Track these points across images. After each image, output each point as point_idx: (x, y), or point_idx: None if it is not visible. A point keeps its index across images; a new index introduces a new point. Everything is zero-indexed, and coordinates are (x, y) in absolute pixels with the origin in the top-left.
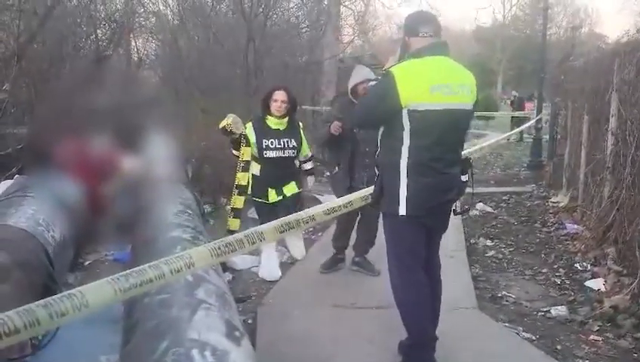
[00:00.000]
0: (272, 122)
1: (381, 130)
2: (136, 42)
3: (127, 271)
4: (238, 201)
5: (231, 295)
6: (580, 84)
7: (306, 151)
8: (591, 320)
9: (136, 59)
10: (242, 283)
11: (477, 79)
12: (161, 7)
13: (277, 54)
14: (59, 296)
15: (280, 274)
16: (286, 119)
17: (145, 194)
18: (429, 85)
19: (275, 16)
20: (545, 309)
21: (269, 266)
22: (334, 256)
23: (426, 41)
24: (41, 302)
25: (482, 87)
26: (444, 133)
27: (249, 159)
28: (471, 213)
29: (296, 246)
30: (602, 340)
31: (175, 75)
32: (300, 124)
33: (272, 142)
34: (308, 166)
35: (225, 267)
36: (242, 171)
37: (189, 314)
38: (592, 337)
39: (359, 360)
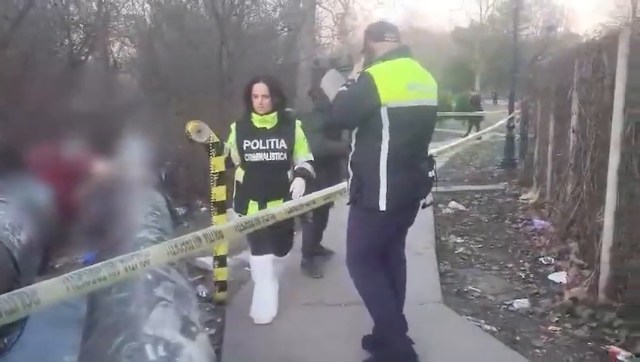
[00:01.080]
0: (257, 120)
1: (356, 129)
2: (111, 46)
3: (81, 270)
4: (220, 221)
5: (193, 293)
6: (546, 83)
7: (304, 154)
8: (551, 312)
9: (112, 63)
10: (212, 284)
11: (456, 80)
12: (139, 11)
13: (252, 56)
14: (8, 294)
15: (275, 312)
16: (273, 115)
17: (115, 198)
18: (406, 83)
19: (250, 18)
20: (508, 302)
21: (261, 304)
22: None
23: (392, 45)
24: None
25: (461, 87)
26: (419, 129)
27: (222, 170)
28: (443, 211)
29: (262, 306)
30: (560, 330)
31: (150, 78)
32: (298, 122)
33: (254, 143)
34: (301, 165)
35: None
36: (217, 185)
37: (146, 311)
38: (550, 328)
39: (326, 357)
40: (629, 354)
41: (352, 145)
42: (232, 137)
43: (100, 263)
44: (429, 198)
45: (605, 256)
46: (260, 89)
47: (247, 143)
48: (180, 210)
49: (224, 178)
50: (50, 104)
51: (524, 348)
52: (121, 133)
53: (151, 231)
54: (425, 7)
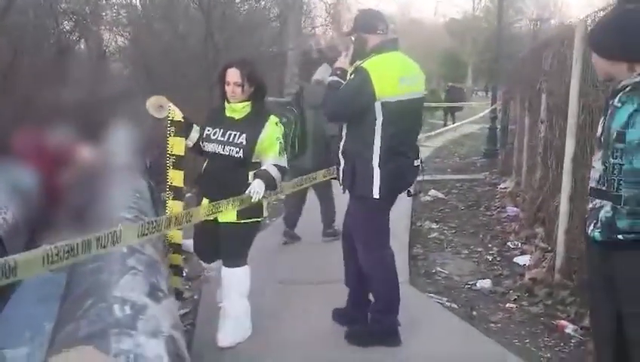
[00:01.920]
0: (227, 108)
1: (347, 122)
2: (101, 35)
3: (57, 243)
4: (174, 207)
5: (165, 265)
6: (521, 75)
7: (273, 156)
8: (511, 291)
9: (102, 52)
10: (192, 264)
11: (448, 72)
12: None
13: (239, 47)
14: None
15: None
16: (244, 105)
17: (99, 182)
18: (398, 77)
19: (235, 8)
20: (472, 282)
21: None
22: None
23: (383, 37)
24: None
25: (453, 79)
26: (408, 121)
27: (181, 153)
28: (422, 198)
29: (229, 330)
30: (517, 307)
31: (138, 68)
32: (273, 118)
33: (215, 131)
34: (267, 167)
35: None
36: (173, 168)
37: (117, 278)
38: (508, 305)
39: (296, 330)
40: (576, 327)
41: (344, 134)
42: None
43: (76, 239)
44: (412, 187)
45: (561, 238)
46: (232, 75)
47: (208, 130)
48: (164, 196)
49: (181, 162)
50: (37, 91)
51: (479, 322)
52: (108, 121)
53: (129, 211)
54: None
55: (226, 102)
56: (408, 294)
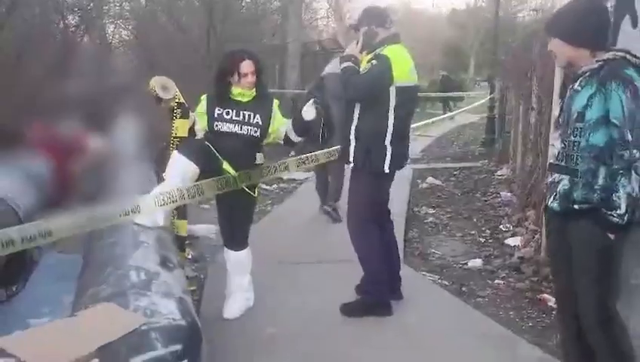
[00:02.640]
0: (236, 93)
1: (361, 104)
2: (107, 29)
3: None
4: None
5: (173, 240)
6: (516, 64)
7: (280, 136)
8: (500, 270)
9: (108, 44)
10: (199, 247)
11: (451, 62)
12: None
13: (240, 39)
14: (31, 223)
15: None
16: (252, 90)
17: (108, 170)
18: (409, 66)
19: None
20: (463, 262)
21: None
22: None
23: (391, 31)
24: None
25: (455, 69)
26: (412, 106)
27: (185, 135)
28: (420, 186)
29: (234, 303)
30: (504, 284)
31: (141, 60)
32: (276, 101)
33: (227, 112)
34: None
35: None
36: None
37: (131, 251)
38: (496, 281)
39: (294, 308)
40: None
41: (356, 116)
42: (202, 107)
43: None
44: None
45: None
46: (248, 66)
47: (219, 111)
48: None
49: None
50: (46, 83)
51: (468, 297)
52: (117, 113)
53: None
54: None
55: (233, 88)
56: (402, 273)
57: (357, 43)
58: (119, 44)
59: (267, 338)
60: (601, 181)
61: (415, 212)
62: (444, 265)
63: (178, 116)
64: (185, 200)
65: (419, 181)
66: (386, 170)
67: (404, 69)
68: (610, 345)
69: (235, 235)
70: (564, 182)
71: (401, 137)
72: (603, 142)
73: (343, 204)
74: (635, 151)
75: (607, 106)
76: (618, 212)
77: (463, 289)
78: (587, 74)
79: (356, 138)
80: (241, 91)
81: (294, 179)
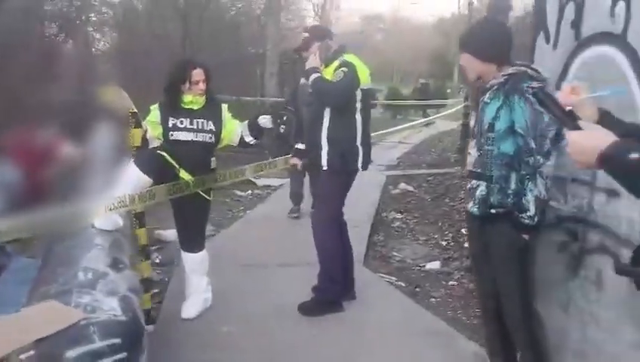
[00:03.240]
0: (186, 100)
1: (331, 110)
2: (86, 36)
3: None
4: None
5: (128, 243)
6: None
7: (234, 139)
8: (456, 272)
9: (89, 52)
10: (168, 252)
11: (437, 70)
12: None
13: (216, 47)
14: None
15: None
16: (203, 98)
17: (82, 177)
18: (367, 71)
19: (214, 9)
20: (422, 264)
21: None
22: None
23: (338, 43)
24: None
25: (441, 77)
26: (370, 107)
27: (139, 145)
28: (392, 191)
29: (191, 304)
30: (458, 284)
31: (121, 68)
32: (224, 105)
33: (181, 120)
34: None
35: None
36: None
37: (84, 253)
38: (450, 283)
39: (252, 305)
40: None
41: (326, 122)
42: (154, 116)
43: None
44: None
45: None
46: (200, 75)
47: (172, 120)
48: None
49: None
50: (24, 91)
51: (422, 298)
52: (94, 120)
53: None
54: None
55: (184, 96)
56: (360, 274)
57: (315, 56)
58: (100, 51)
59: (223, 335)
60: (513, 186)
61: (383, 217)
62: (403, 267)
63: (132, 126)
64: (136, 204)
65: (391, 187)
66: (360, 168)
67: (364, 73)
68: (531, 342)
69: (192, 238)
70: (482, 188)
71: (368, 136)
72: (512, 151)
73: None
74: (538, 157)
75: (513, 117)
76: (528, 214)
77: (417, 289)
78: (495, 87)
79: (329, 142)
80: (192, 99)
81: (269, 186)
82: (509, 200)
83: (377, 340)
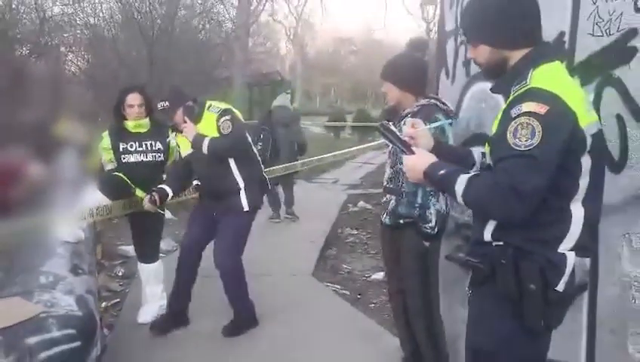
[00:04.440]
0: (131, 125)
1: (235, 158)
2: (58, 57)
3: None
4: None
5: (89, 254)
6: None
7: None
8: None
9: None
10: (129, 266)
11: None
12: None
13: (182, 72)
14: None
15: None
16: (147, 120)
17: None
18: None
19: (180, 35)
20: (368, 275)
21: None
22: None
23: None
24: None
25: None
26: None
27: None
28: (350, 209)
29: (147, 311)
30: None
31: (89, 91)
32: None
33: (131, 145)
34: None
35: None
36: None
37: (46, 260)
38: None
39: (207, 313)
40: None
41: (235, 169)
42: (105, 143)
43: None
44: None
45: None
46: (135, 99)
47: (123, 145)
48: None
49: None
50: None
51: (362, 305)
52: (61, 143)
53: None
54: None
55: (126, 122)
56: (307, 283)
57: (187, 122)
58: (71, 75)
59: (172, 337)
60: (419, 200)
61: (338, 233)
62: (350, 278)
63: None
64: (94, 217)
65: (350, 205)
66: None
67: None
68: (429, 330)
69: (146, 250)
70: (393, 202)
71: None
72: None
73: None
74: None
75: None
76: (430, 225)
77: (358, 296)
78: (409, 115)
79: (245, 186)
80: (137, 124)
81: None
82: (415, 212)
83: (314, 338)
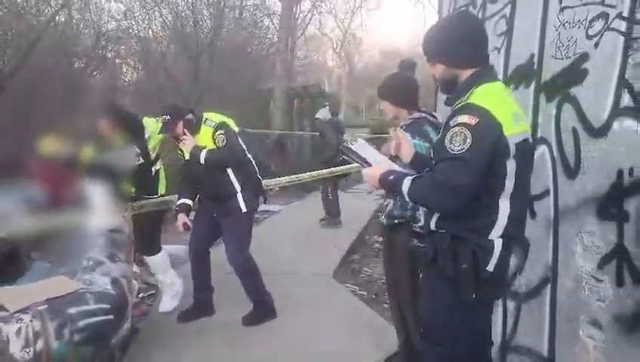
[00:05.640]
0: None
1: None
2: (113, 69)
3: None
4: None
5: (128, 246)
6: None
7: None
8: None
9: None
10: None
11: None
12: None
13: (224, 86)
14: None
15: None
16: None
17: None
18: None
19: (223, 50)
20: None
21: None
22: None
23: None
24: None
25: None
26: None
27: None
28: (380, 219)
29: (165, 301)
30: None
31: (138, 104)
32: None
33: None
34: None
35: None
36: None
37: (89, 247)
38: None
39: (229, 304)
40: None
41: (232, 174)
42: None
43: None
44: None
45: None
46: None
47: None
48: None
49: None
50: (52, 122)
51: (376, 303)
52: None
53: None
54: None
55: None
56: (326, 284)
57: (187, 135)
58: (124, 85)
59: (198, 325)
60: (411, 203)
61: (366, 239)
62: (369, 280)
63: None
64: (129, 212)
65: (380, 214)
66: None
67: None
68: (418, 321)
69: (147, 243)
70: (390, 205)
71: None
72: None
73: None
74: None
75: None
76: (419, 224)
77: (374, 296)
78: (404, 127)
79: (242, 190)
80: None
81: (267, 211)
82: (408, 213)
83: (326, 330)
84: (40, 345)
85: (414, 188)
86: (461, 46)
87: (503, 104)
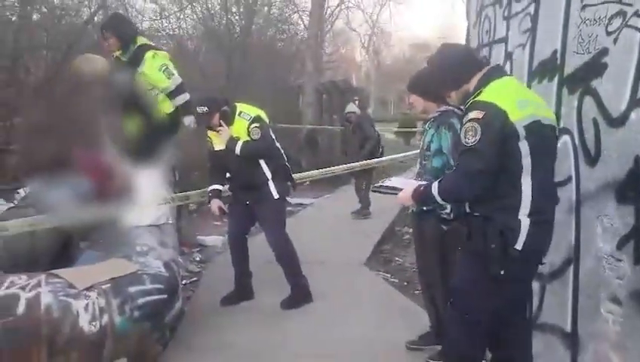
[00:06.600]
0: None
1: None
2: None
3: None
4: None
5: (174, 235)
6: None
7: None
8: None
9: None
10: (206, 253)
11: None
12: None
13: (256, 81)
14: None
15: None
16: None
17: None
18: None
19: (254, 41)
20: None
21: None
22: None
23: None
24: None
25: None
26: None
27: None
28: (410, 210)
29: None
30: None
31: None
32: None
33: None
34: None
35: None
36: None
37: (143, 235)
38: None
39: (264, 300)
40: None
41: (265, 165)
42: None
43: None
44: None
45: None
46: None
47: None
48: (191, 206)
49: None
50: (92, 120)
51: (406, 290)
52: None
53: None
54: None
55: None
56: (359, 271)
57: (223, 126)
58: None
59: (239, 308)
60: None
61: (396, 231)
62: (400, 268)
63: None
64: (175, 202)
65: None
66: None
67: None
68: (447, 299)
69: None
70: None
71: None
72: (439, 165)
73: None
74: None
75: (441, 142)
76: (446, 211)
77: (405, 284)
78: (432, 119)
79: (273, 178)
80: None
81: (301, 203)
82: None
83: (359, 314)
84: (105, 319)
85: (442, 187)
86: (451, 69)
87: (508, 94)
